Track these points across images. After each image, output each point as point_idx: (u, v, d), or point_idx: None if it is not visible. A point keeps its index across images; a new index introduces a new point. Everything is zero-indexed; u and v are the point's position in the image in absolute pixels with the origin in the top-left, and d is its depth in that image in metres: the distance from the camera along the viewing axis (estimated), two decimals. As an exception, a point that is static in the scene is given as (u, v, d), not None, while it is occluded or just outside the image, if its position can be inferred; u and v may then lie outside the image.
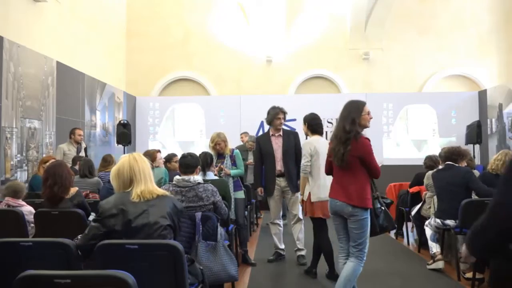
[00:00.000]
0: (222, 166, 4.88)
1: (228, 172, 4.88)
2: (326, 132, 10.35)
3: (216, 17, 11.36)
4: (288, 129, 5.51)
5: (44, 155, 6.40)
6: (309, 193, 4.36)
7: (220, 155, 5.00)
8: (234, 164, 5.02)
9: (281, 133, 5.04)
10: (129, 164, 2.49)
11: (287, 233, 5.40)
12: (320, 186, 4.30)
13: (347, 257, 3.39)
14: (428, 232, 4.78)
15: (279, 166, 4.98)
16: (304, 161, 4.39)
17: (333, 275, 4.23)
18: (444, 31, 11.14)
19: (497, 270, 3.27)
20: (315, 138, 4.49)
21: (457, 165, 4.54)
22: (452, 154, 4.60)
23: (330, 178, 4.18)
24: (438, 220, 4.54)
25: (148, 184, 2.47)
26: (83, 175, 4.98)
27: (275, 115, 4.99)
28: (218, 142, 4.93)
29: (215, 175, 4.74)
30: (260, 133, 9.67)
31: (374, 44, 11.13)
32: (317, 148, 4.37)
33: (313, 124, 4.51)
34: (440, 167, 4.95)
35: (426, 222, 4.87)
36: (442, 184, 4.52)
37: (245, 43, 11.27)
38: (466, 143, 8.73)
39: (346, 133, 3.21)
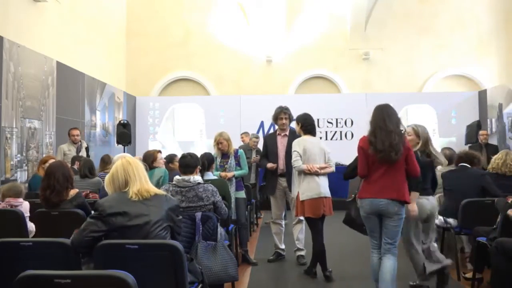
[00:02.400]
0: (225, 174, 4.88)
1: (231, 175, 4.90)
2: (326, 132, 10.36)
3: (216, 17, 11.36)
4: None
5: (44, 155, 6.41)
6: (298, 192, 4.40)
7: (225, 155, 5.01)
8: (238, 164, 5.03)
9: (287, 132, 5.04)
10: (122, 167, 2.50)
11: (287, 233, 5.40)
12: (309, 184, 4.33)
13: (379, 252, 3.51)
14: None
15: (282, 165, 4.98)
16: (294, 157, 4.41)
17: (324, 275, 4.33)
18: (444, 31, 11.14)
19: (497, 269, 3.29)
20: (305, 138, 4.52)
21: (470, 167, 4.57)
22: (472, 157, 4.65)
23: (318, 178, 4.33)
24: (440, 217, 4.53)
25: (143, 183, 2.49)
26: (84, 175, 4.98)
27: (277, 114, 5.03)
28: (220, 141, 4.96)
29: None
30: (260, 133, 9.68)
31: (374, 44, 11.12)
32: (306, 147, 4.41)
33: (307, 125, 4.54)
34: (451, 168, 4.90)
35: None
36: (455, 184, 4.48)
37: (245, 43, 11.27)
38: (466, 143, 8.72)
39: (399, 128, 3.39)
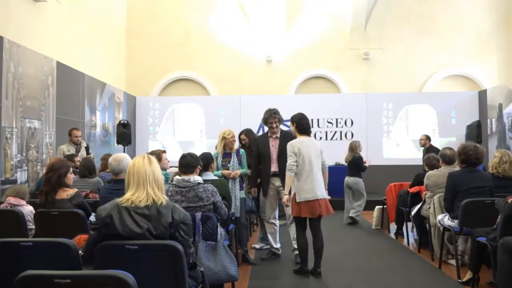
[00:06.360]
0: (234, 172, 4.91)
1: (236, 174, 4.92)
2: (326, 132, 10.37)
3: (216, 17, 11.37)
4: (287, 129, 5.50)
5: (44, 156, 6.41)
6: (295, 193, 4.40)
7: (226, 154, 5.02)
8: (239, 163, 5.05)
9: (278, 134, 5.04)
10: (128, 169, 2.39)
11: (286, 233, 5.40)
12: (304, 187, 4.34)
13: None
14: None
15: (274, 167, 4.99)
16: (290, 161, 4.39)
17: (303, 271, 4.43)
18: (444, 31, 11.14)
19: (503, 268, 3.28)
20: (299, 139, 4.49)
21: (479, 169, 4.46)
22: (482, 157, 4.46)
23: (313, 179, 4.34)
24: (445, 218, 4.49)
25: (140, 190, 2.33)
26: (83, 175, 4.95)
27: (267, 118, 5.04)
28: (233, 135, 5.05)
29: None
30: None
31: (374, 44, 11.13)
32: (300, 149, 4.39)
33: (302, 125, 4.52)
34: (454, 167, 4.85)
35: (445, 223, 4.55)
36: (469, 186, 4.30)
37: (245, 43, 11.27)
38: (466, 143, 8.70)
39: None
